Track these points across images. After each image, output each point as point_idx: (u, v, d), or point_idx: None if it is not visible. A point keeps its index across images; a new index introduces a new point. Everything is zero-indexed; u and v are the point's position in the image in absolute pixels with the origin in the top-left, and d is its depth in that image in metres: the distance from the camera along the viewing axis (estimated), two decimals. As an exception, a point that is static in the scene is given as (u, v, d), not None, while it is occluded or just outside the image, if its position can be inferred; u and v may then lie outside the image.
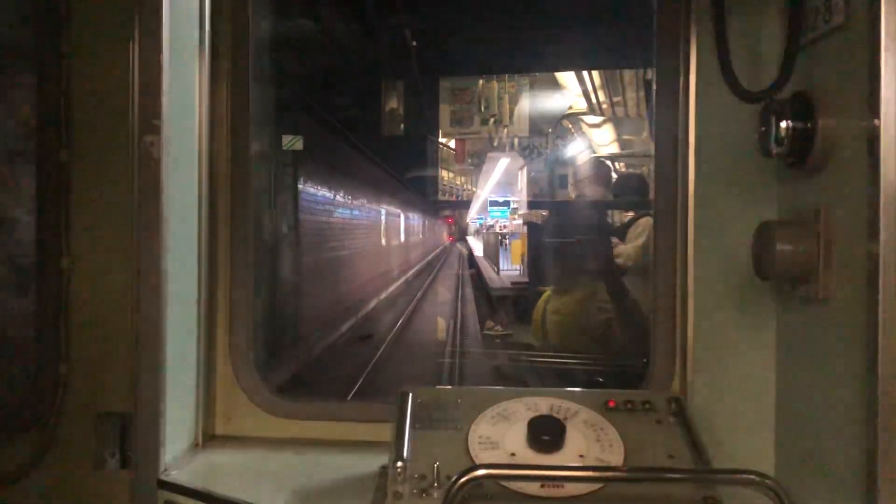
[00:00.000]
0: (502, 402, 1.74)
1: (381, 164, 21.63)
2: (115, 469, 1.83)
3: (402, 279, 28.05)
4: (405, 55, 10.51)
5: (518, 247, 21.93)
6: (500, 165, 25.66)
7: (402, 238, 31.19)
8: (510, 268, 23.92)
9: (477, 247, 52.31)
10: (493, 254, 30.88)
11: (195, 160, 2.00)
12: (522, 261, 20.67)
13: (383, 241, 23.81)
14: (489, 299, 15.38)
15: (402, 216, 31.30)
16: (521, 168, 22.39)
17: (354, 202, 18.10)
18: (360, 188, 19.00)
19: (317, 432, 2.07)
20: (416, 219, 42.48)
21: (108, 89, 1.84)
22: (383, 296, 21.64)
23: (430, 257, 49.22)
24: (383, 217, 23.83)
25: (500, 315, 11.81)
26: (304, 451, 2.02)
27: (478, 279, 24.61)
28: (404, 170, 26.07)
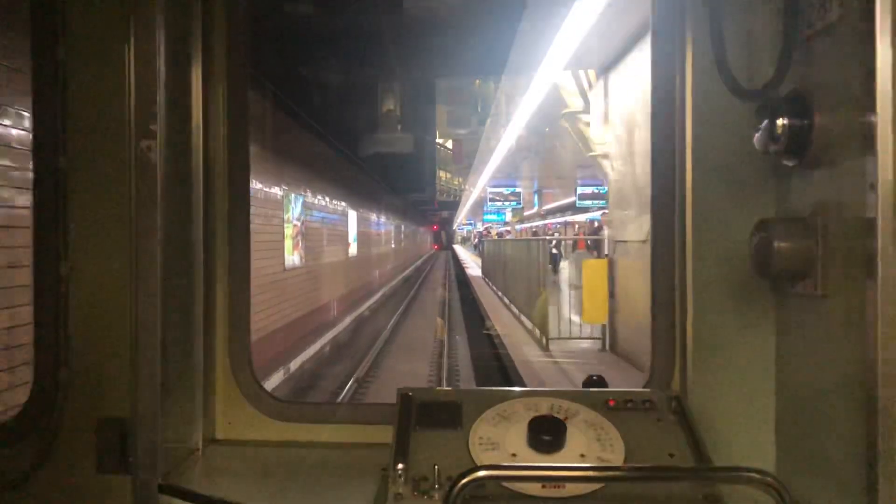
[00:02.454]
0: (502, 402, 1.74)
1: (316, 129, 14.67)
2: (116, 474, 1.83)
3: (343, 326, 17.60)
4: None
5: (600, 276, 9.83)
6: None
7: (353, 251, 21.50)
8: (580, 333, 11.39)
9: (468, 260, 42.44)
10: (512, 282, 16.36)
11: (192, 164, 2.00)
12: (610, 318, 9.71)
13: (294, 260, 13.94)
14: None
15: (354, 217, 21.57)
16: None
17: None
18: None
19: (318, 435, 2.07)
20: (382, 223, 30.99)
21: (104, 94, 1.84)
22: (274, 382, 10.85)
23: (405, 274, 36.99)
24: (295, 215, 14.05)
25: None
26: (305, 453, 2.02)
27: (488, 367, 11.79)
28: (359, 151, 18.11)
